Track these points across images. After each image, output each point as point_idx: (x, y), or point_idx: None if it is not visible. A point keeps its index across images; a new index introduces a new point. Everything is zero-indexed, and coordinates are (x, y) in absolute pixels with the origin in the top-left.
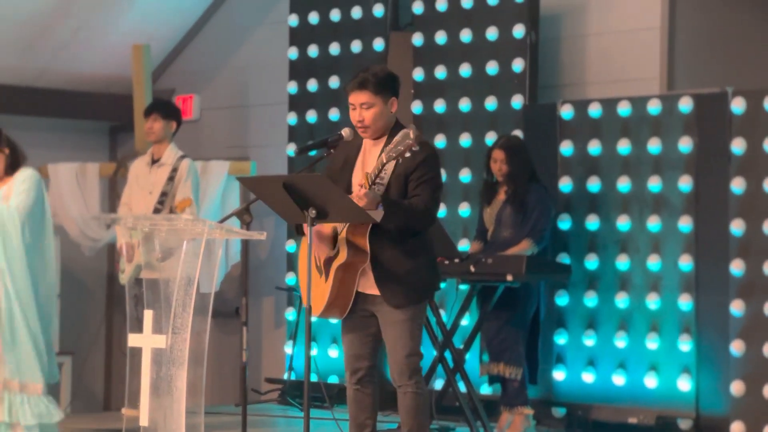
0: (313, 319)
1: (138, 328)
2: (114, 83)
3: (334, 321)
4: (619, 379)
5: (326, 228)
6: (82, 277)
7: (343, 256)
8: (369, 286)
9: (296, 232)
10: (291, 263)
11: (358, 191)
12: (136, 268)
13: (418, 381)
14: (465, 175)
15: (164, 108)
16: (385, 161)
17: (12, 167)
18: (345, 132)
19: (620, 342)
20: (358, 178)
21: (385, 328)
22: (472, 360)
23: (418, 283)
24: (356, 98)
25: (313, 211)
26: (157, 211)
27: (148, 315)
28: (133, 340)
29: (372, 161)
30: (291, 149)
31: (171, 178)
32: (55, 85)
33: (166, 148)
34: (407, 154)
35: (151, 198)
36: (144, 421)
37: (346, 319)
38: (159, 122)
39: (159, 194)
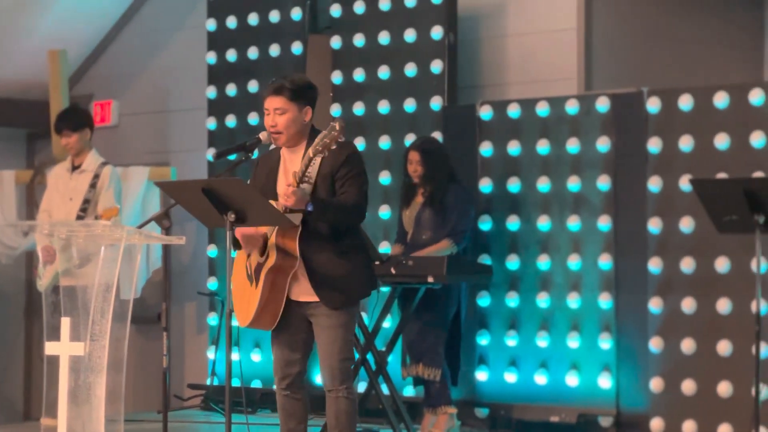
0: (237, 324)
1: (56, 335)
2: (30, 89)
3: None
4: (541, 379)
5: (258, 236)
6: (0, 285)
7: (272, 261)
8: (301, 292)
9: (234, 247)
10: (213, 268)
11: (286, 190)
12: (54, 275)
13: (349, 386)
14: (385, 178)
15: (71, 120)
16: (312, 155)
17: None
18: (263, 136)
19: (542, 342)
20: (282, 189)
21: (319, 333)
22: (394, 362)
23: (355, 284)
24: (271, 103)
25: (232, 215)
26: (79, 218)
27: (65, 322)
28: (50, 348)
29: (294, 168)
30: (211, 154)
31: (93, 185)
32: None
33: (87, 154)
34: (333, 146)
35: (72, 204)
36: (62, 430)
37: (276, 325)
38: (72, 136)
39: (81, 201)
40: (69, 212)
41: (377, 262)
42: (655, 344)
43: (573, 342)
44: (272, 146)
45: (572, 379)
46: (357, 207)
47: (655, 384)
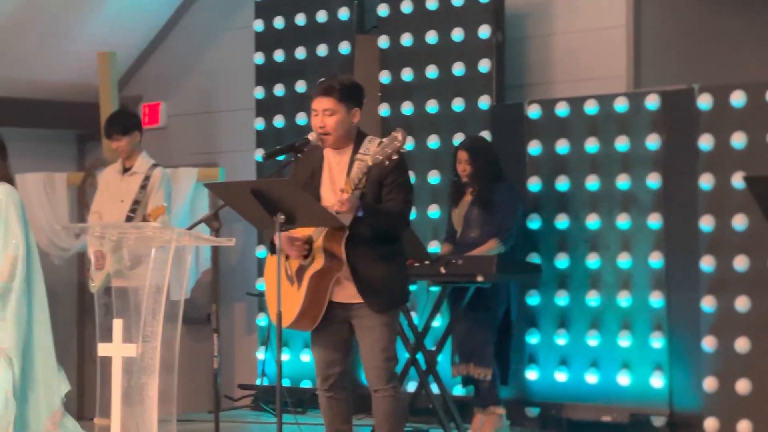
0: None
1: (108, 337)
2: (80, 91)
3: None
4: (592, 378)
5: (299, 238)
6: (53, 286)
7: (319, 264)
8: (345, 295)
9: (270, 252)
10: (261, 269)
11: (341, 196)
12: (106, 276)
13: (395, 385)
14: (434, 177)
15: (121, 124)
16: (371, 164)
17: None
18: (312, 136)
19: (592, 340)
20: (327, 192)
21: (362, 334)
22: (444, 362)
23: (398, 287)
24: (319, 104)
25: (282, 217)
26: (129, 219)
27: (117, 324)
28: (103, 349)
29: (339, 173)
30: (259, 155)
31: (143, 187)
32: (21, 94)
33: (137, 157)
34: (394, 157)
35: (122, 206)
36: (116, 430)
37: (317, 326)
38: (122, 140)
39: (131, 203)
40: (120, 214)
41: (427, 262)
42: (708, 343)
43: (624, 341)
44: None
45: (624, 379)
46: (402, 215)
47: (709, 383)
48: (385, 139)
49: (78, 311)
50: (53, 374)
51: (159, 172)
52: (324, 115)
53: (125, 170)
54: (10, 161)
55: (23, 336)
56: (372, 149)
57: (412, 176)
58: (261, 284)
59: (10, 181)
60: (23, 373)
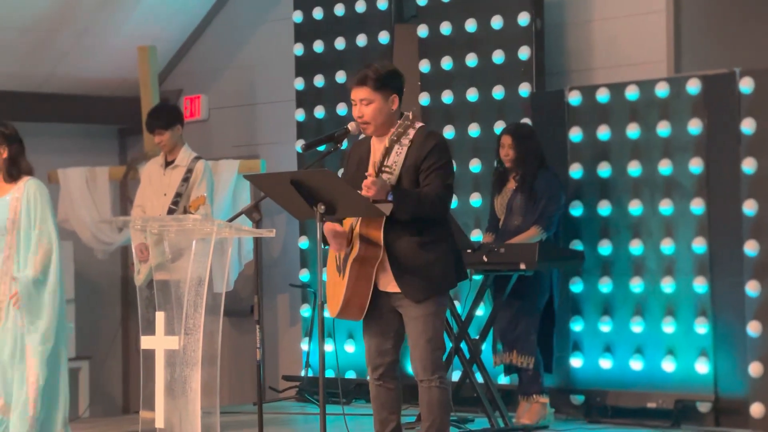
0: (328, 315)
1: (151, 330)
2: (121, 86)
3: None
4: (636, 364)
5: (343, 226)
6: (97, 280)
7: (356, 250)
8: (388, 283)
9: (325, 242)
10: (304, 260)
11: (366, 181)
12: (150, 269)
13: (441, 376)
14: (475, 165)
15: (162, 119)
16: (388, 145)
17: (11, 175)
18: (351, 126)
19: (636, 327)
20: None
21: (409, 323)
22: (488, 350)
23: (438, 275)
24: (356, 94)
25: (322, 207)
26: (171, 211)
27: (159, 317)
28: (146, 342)
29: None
30: (300, 146)
31: (186, 180)
32: (62, 89)
33: (180, 150)
34: (410, 135)
35: (165, 200)
36: (160, 423)
37: (367, 314)
38: (164, 134)
39: (174, 195)
40: (163, 207)
41: (469, 250)
42: (753, 328)
43: (668, 327)
44: (362, 135)
45: (668, 365)
46: (440, 199)
47: (754, 369)
48: (399, 120)
49: (122, 305)
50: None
51: (201, 164)
52: (362, 105)
53: (167, 164)
54: (52, 156)
55: (56, 329)
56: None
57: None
58: (304, 275)
59: (32, 173)
60: (51, 371)
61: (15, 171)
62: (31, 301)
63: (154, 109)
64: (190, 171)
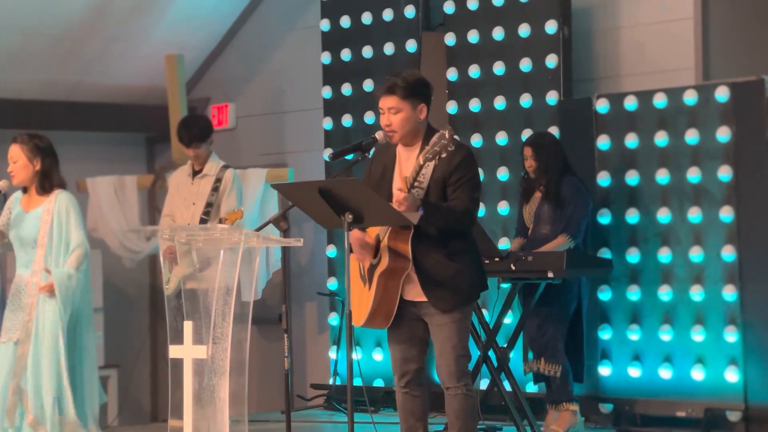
0: (355, 324)
1: (179, 339)
2: (149, 94)
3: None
4: (665, 373)
5: (370, 236)
6: (125, 289)
7: (384, 263)
8: (414, 293)
9: (350, 250)
10: (332, 268)
11: (398, 195)
12: (180, 279)
13: (468, 383)
14: (502, 174)
15: (197, 133)
16: (422, 163)
17: (43, 188)
18: (378, 135)
19: (665, 335)
20: (397, 187)
21: (434, 331)
22: (516, 358)
23: (464, 285)
24: (385, 103)
25: (350, 216)
26: (203, 221)
27: (188, 326)
28: (174, 351)
29: (409, 168)
30: (327, 155)
31: (215, 189)
32: (90, 98)
33: (207, 159)
34: (443, 155)
35: (195, 209)
36: None
37: (392, 323)
38: (200, 147)
39: (204, 205)
40: (192, 216)
41: (497, 258)
42: None
43: (697, 335)
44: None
45: (698, 373)
46: (467, 213)
47: None
48: (434, 138)
49: (150, 313)
50: (96, 379)
51: (230, 173)
52: (390, 113)
53: (195, 173)
54: (81, 165)
55: (69, 318)
56: (425, 149)
57: (480, 173)
58: (332, 284)
59: (65, 186)
60: (73, 371)
61: (47, 184)
62: (67, 293)
63: (186, 122)
64: (219, 180)
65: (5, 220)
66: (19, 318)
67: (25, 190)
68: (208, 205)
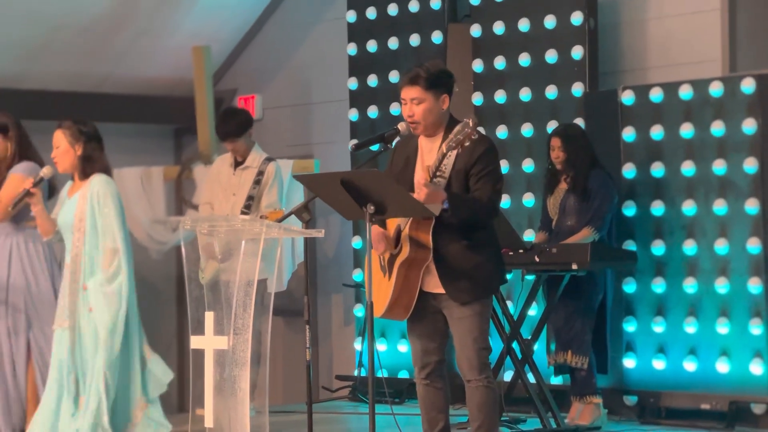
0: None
1: (200, 330)
2: (177, 86)
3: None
4: (690, 365)
5: (390, 227)
6: (152, 280)
7: (405, 253)
8: (434, 284)
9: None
10: (358, 260)
11: (419, 184)
12: (216, 269)
13: (488, 375)
14: (528, 165)
15: (234, 127)
16: (445, 151)
17: (84, 173)
18: (401, 126)
19: (690, 328)
20: (420, 178)
21: (453, 324)
22: (540, 351)
23: (484, 277)
24: (407, 93)
25: (372, 207)
26: (243, 214)
27: (209, 317)
28: (195, 342)
29: (431, 158)
30: (351, 145)
31: (257, 182)
32: (118, 90)
33: (250, 150)
34: (466, 143)
35: (235, 200)
36: (209, 422)
37: (411, 315)
38: (238, 141)
39: (245, 198)
40: (232, 208)
41: (521, 250)
42: None
43: (722, 328)
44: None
45: (723, 366)
46: (490, 205)
47: None
48: (457, 127)
49: (177, 304)
50: (141, 363)
51: (272, 167)
52: (412, 104)
53: (237, 163)
54: (108, 156)
55: (122, 320)
56: (447, 137)
57: (506, 165)
58: (357, 275)
59: (108, 171)
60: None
61: (89, 169)
62: (105, 299)
63: (224, 116)
64: (261, 173)
65: (58, 210)
66: (66, 304)
67: (71, 177)
68: (249, 198)
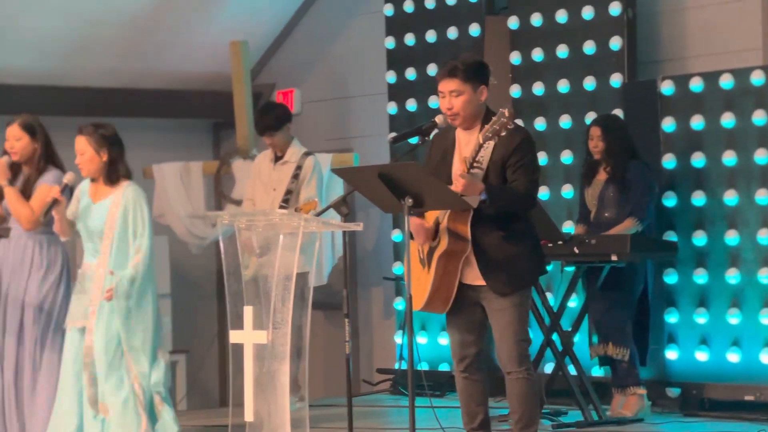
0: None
1: (239, 324)
2: (215, 80)
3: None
4: (733, 357)
5: (429, 219)
6: (192, 275)
7: (444, 245)
8: (473, 277)
9: (411, 236)
10: (398, 253)
11: (456, 176)
12: (258, 264)
13: (528, 367)
14: (566, 157)
15: (271, 121)
16: (481, 141)
17: (110, 179)
18: (439, 119)
19: (733, 319)
20: (457, 170)
21: (493, 316)
22: (581, 342)
23: (523, 269)
24: (445, 86)
25: (410, 200)
26: (282, 208)
27: (248, 311)
28: (234, 336)
29: (468, 150)
30: (389, 138)
31: (296, 176)
32: (157, 85)
33: (289, 145)
34: (503, 133)
35: (275, 195)
36: (249, 417)
37: (450, 308)
38: (275, 136)
39: (284, 192)
40: (272, 203)
41: (560, 242)
42: None
43: (765, 319)
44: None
45: (766, 357)
46: (528, 195)
47: None
48: (494, 117)
49: (218, 299)
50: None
51: (311, 161)
52: (451, 97)
53: (277, 159)
54: (147, 152)
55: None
56: (484, 128)
57: (544, 156)
58: (397, 268)
59: (131, 175)
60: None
61: (114, 175)
62: (128, 299)
63: (262, 110)
64: (299, 167)
65: (74, 210)
66: (84, 303)
67: (92, 179)
68: (288, 192)
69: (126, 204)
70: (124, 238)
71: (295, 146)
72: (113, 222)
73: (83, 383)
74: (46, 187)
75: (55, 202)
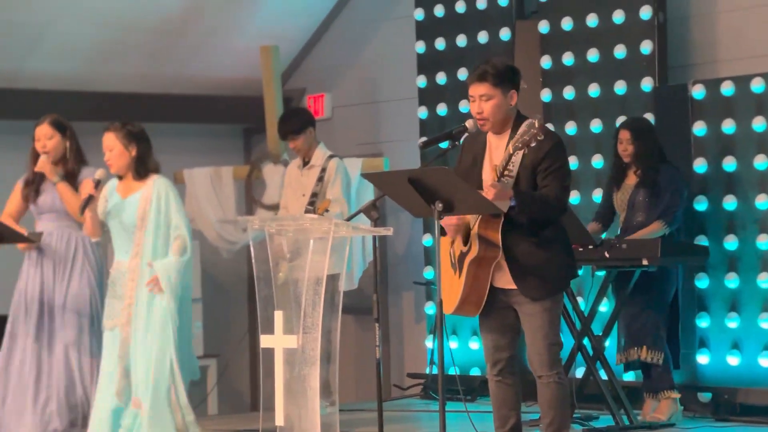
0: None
1: (270, 329)
2: (245, 85)
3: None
4: (765, 361)
5: (460, 224)
6: (223, 279)
7: (474, 251)
8: (505, 281)
9: (441, 233)
10: (428, 257)
11: (486, 184)
12: (290, 269)
13: (559, 371)
14: (597, 161)
15: (293, 125)
16: (512, 152)
17: (139, 173)
18: (469, 123)
19: (765, 323)
20: (488, 176)
21: (524, 320)
22: (612, 347)
23: (554, 273)
24: (476, 90)
25: (440, 205)
26: (308, 211)
27: (278, 315)
28: (265, 341)
29: (499, 156)
30: (419, 142)
31: (320, 179)
32: (188, 90)
33: (315, 150)
34: (533, 144)
35: (304, 200)
36: (279, 421)
37: (483, 311)
38: (298, 139)
39: (310, 196)
40: (301, 208)
41: (590, 246)
42: None
43: None
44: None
45: None
46: (559, 201)
47: None
48: (523, 127)
49: (248, 304)
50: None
51: (334, 163)
52: (481, 101)
53: (304, 164)
54: (178, 157)
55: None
56: (514, 137)
57: (575, 161)
58: (428, 272)
59: (158, 169)
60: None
61: (143, 169)
62: (173, 284)
63: (284, 115)
64: (324, 170)
65: (103, 209)
66: (119, 305)
67: (120, 177)
68: (313, 195)
69: (158, 195)
70: (156, 230)
71: (320, 150)
72: (145, 214)
73: (116, 376)
74: (90, 181)
75: (90, 199)
